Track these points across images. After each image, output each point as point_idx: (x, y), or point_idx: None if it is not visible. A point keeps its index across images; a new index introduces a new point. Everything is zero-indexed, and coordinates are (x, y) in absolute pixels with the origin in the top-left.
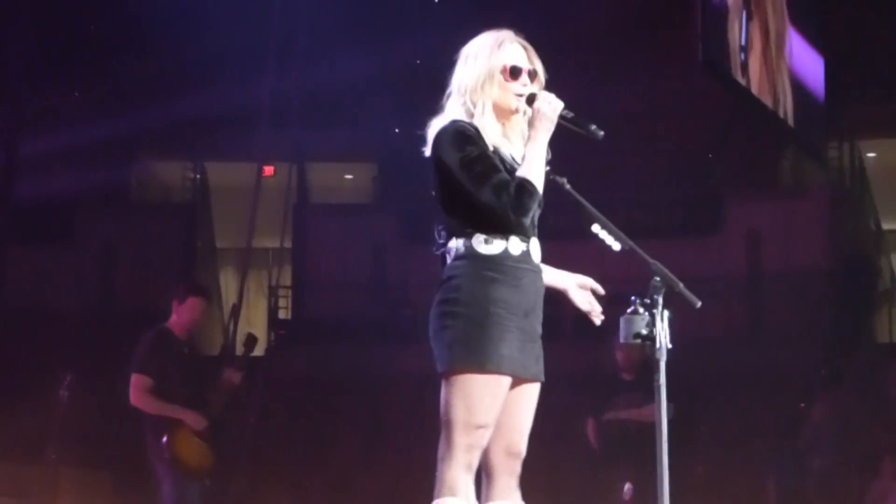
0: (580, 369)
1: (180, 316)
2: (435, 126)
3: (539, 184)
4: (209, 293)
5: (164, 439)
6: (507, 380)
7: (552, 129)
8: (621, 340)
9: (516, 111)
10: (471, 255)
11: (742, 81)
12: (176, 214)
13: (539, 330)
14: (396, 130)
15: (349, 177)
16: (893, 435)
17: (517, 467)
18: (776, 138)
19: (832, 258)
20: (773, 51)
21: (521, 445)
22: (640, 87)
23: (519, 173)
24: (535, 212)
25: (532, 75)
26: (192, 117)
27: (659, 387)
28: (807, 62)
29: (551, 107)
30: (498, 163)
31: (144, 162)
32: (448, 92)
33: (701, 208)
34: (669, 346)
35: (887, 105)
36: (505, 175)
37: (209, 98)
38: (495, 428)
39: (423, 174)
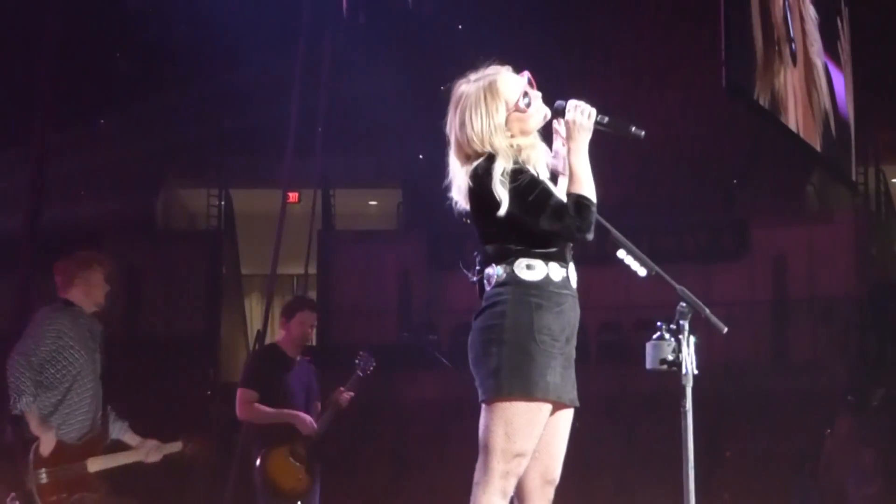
0: (606, 393)
1: (290, 332)
2: (466, 168)
3: (592, 194)
4: (316, 306)
5: (258, 460)
6: (549, 407)
7: (589, 136)
8: (648, 366)
9: (544, 119)
10: (514, 281)
11: (769, 107)
12: (201, 241)
13: (574, 354)
14: (420, 156)
15: (374, 203)
16: None
17: (551, 494)
18: (802, 163)
19: (858, 283)
20: (804, 75)
21: (557, 472)
22: (666, 113)
23: (571, 190)
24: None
25: (531, 83)
26: (218, 144)
27: (685, 412)
28: (834, 82)
29: (584, 115)
30: (548, 185)
31: (170, 189)
32: (463, 149)
33: (727, 233)
34: (696, 372)
35: None
36: (559, 198)
37: (234, 125)
38: (532, 455)
39: (448, 199)
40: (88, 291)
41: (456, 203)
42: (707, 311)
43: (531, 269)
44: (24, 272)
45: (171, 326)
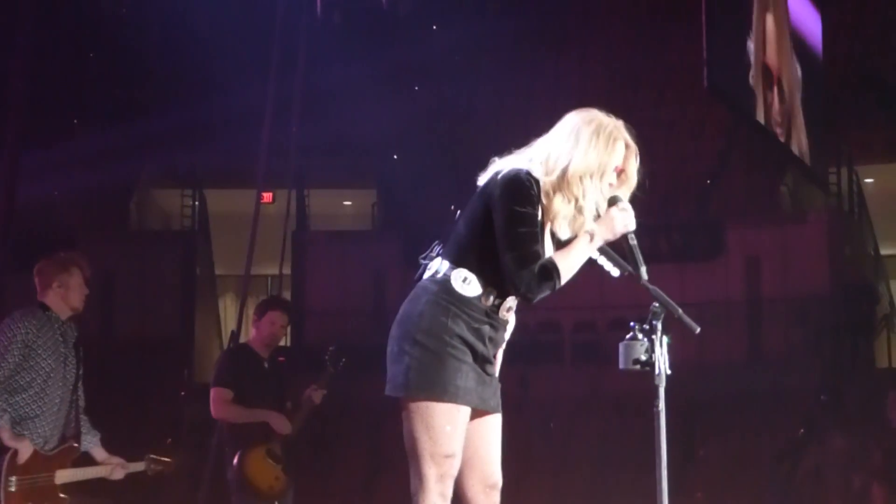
0: (579, 394)
1: (259, 331)
2: (509, 163)
3: (565, 276)
4: (288, 307)
5: (235, 460)
6: (466, 409)
7: (610, 239)
8: (620, 366)
9: (595, 208)
10: (444, 285)
11: (748, 107)
12: (175, 242)
13: (494, 373)
14: (395, 157)
15: (348, 203)
16: (889, 461)
17: (496, 498)
18: (775, 164)
19: (831, 283)
20: (781, 71)
21: (497, 476)
22: (640, 114)
23: (554, 256)
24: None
25: (619, 173)
26: (191, 144)
27: (658, 413)
28: (808, 24)
29: (623, 223)
30: (541, 236)
31: (144, 190)
32: (540, 152)
33: (700, 234)
34: (668, 372)
35: (885, 131)
36: (540, 250)
37: (208, 125)
38: (468, 463)
39: (422, 199)
40: (66, 295)
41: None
42: (680, 311)
43: (466, 283)
44: None
45: (145, 327)
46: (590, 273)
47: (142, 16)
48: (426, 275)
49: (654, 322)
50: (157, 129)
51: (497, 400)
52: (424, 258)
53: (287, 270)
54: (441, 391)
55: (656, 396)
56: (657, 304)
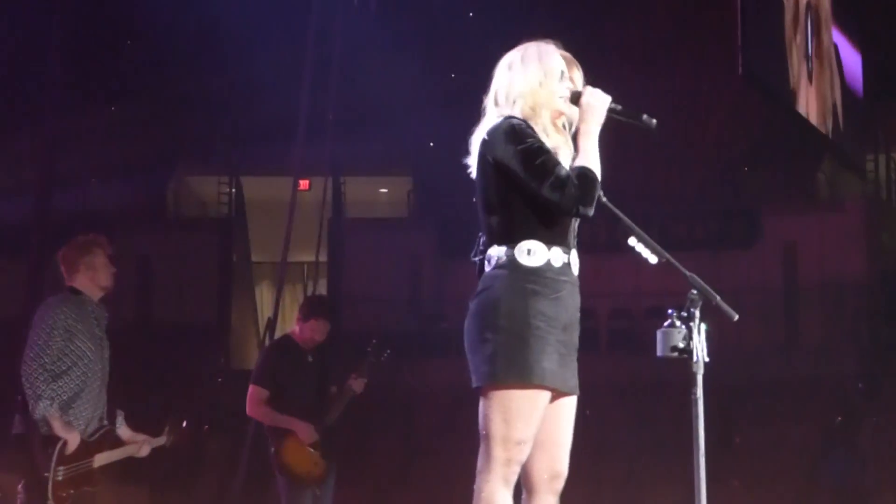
0: (616, 381)
1: (302, 332)
2: (483, 128)
3: (598, 171)
4: (331, 315)
5: (274, 448)
6: (548, 394)
7: (602, 121)
8: (658, 354)
9: (560, 114)
10: (512, 265)
11: (783, 94)
12: (212, 229)
13: (576, 342)
14: (431, 144)
15: (384, 190)
16: None
17: (559, 486)
18: (812, 151)
19: (869, 270)
20: (820, 62)
21: (564, 463)
22: (678, 100)
23: (578, 163)
24: (575, 223)
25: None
26: (228, 132)
27: (696, 400)
28: (848, 61)
29: (600, 102)
30: (555, 155)
31: (180, 177)
32: (492, 99)
33: (738, 221)
34: (707, 359)
35: None
36: (565, 168)
37: (245, 113)
38: (538, 446)
39: (458, 187)
40: (94, 276)
41: (469, 172)
42: (718, 298)
43: (532, 255)
44: (33, 259)
45: (181, 314)
46: (625, 261)
47: (180, 4)
48: (487, 267)
49: (691, 309)
50: (194, 116)
51: (576, 380)
52: (475, 255)
53: (323, 258)
54: (528, 374)
55: (694, 384)
56: (695, 292)
